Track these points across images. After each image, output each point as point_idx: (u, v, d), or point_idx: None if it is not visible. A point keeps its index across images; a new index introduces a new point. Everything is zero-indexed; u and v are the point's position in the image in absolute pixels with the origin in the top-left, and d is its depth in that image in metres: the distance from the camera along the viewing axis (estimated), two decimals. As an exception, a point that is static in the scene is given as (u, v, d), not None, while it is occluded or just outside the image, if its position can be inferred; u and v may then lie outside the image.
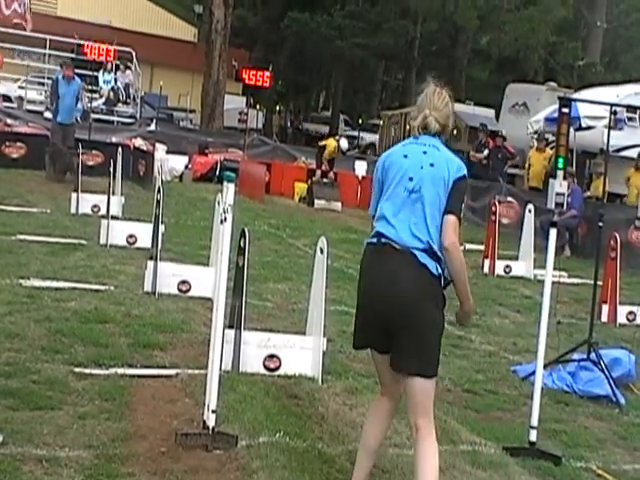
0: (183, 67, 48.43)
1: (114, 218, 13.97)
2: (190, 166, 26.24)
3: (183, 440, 6.07)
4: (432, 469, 5.13)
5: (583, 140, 21.02)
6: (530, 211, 15.98)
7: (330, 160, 24.84)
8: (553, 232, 7.14)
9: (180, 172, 25.60)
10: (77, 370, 7.40)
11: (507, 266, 15.76)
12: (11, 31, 33.47)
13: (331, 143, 25.18)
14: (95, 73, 29.79)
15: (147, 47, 41.93)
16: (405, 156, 5.33)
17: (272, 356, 7.93)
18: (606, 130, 10.40)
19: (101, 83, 31.97)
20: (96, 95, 29.99)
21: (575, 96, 23.67)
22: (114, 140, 25.10)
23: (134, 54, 34.86)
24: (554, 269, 7.20)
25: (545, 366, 7.66)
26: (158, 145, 25.39)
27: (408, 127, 38.17)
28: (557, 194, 7.46)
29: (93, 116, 26.45)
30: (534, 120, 25.85)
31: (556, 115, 8.47)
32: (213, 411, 6.13)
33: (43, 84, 34.20)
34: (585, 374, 8.82)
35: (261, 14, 57.61)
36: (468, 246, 18.12)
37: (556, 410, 8.16)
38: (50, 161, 20.43)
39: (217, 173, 24.54)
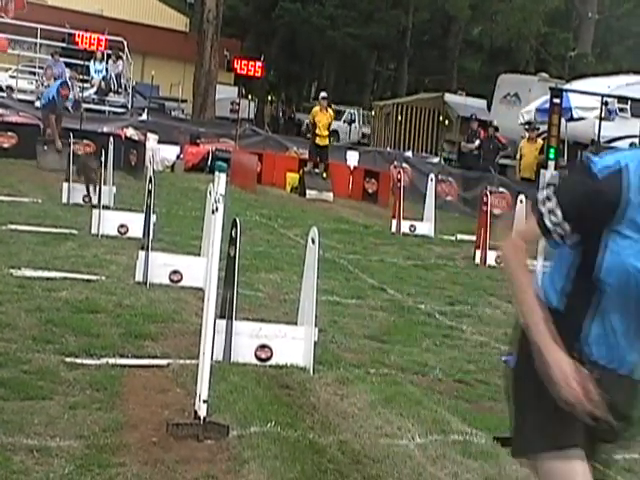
0: (175, 57, 48.35)
1: (105, 208, 13.94)
2: (182, 156, 26.23)
3: (174, 430, 6.07)
4: None
5: (574, 131, 21.06)
6: (522, 201, 15.99)
7: (323, 147, 24.43)
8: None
9: (172, 162, 25.59)
10: (68, 360, 7.38)
11: (498, 257, 15.76)
12: (1, 20, 33.38)
13: (315, 109, 24.84)
14: (86, 62, 29.70)
15: (139, 36, 41.82)
16: None
17: (263, 346, 7.92)
18: (597, 121, 10.41)
19: (92, 73, 31.87)
20: (87, 85, 29.90)
21: (567, 87, 23.70)
22: (105, 130, 25.04)
23: (125, 43, 34.74)
24: (545, 259, 7.20)
25: (536, 356, 7.66)
26: (150, 135, 25.37)
27: (400, 118, 38.25)
28: (548, 184, 7.47)
29: (84, 106, 26.40)
30: (526, 111, 25.88)
31: (547, 106, 8.49)
32: (204, 401, 6.13)
33: (34, 73, 34.11)
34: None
35: (253, 4, 57.56)
36: (460, 237, 18.21)
37: (547, 400, 8.17)
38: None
39: (209, 163, 24.50)
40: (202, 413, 6.12)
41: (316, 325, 7.94)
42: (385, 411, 7.04)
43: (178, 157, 26.11)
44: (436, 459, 6.18)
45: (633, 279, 3.50)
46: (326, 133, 24.27)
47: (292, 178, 24.83)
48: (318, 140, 24.19)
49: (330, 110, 25.14)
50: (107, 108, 32.00)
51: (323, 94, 25.25)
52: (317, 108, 24.77)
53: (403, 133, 39.36)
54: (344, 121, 50.67)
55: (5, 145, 22.29)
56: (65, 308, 8.96)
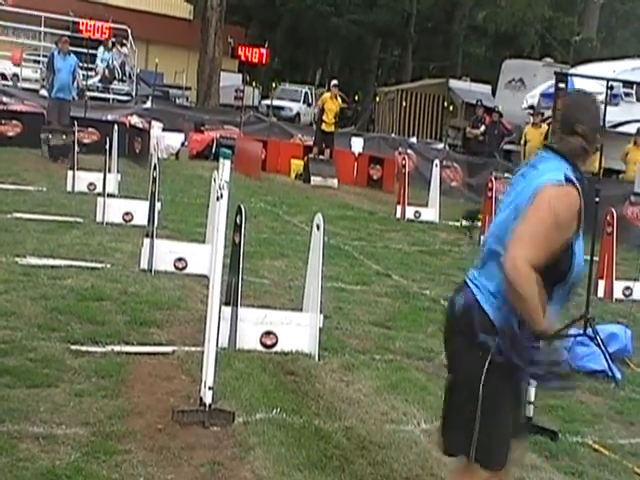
0: (179, 44, 48.23)
1: (110, 196, 13.91)
2: (186, 143, 26.18)
3: (180, 417, 6.08)
4: None
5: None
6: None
7: (329, 133, 24.40)
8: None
9: (176, 149, 25.54)
10: (73, 348, 7.40)
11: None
12: (6, 9, 33.35)
13: (325, 96, 24.88)
14: (90, 51, 29.63)
15: (143, 24, 41.70)
16: None
17: (269, 333, 7.93)
18: (602, 105, 10.36)
19: (98, 61, 31.81)
20: (92, 73, 29.86)
21: (571, 71, 23.65)
22: (110, 118, 25.03)
23: (130, 31, 34.69)
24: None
25: (541, 341, 7.65)
26: (154, 122, 25.35)
27: (404, 104, 38.14)
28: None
29: (89, 94, 26.37)
30: (530, 96, 25.83)
31: (552, 90, 8.45)
32: (210, 388, 6.13)
33: (39, 62, 34.05)
34: (582, 349, 8.83)
35: (257, -10, 57.44)
36: (465, 222, 18.18)
37: (552, 385, 8.16)
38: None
39: (213, 150, 24.51)
40: (207, 400, 6.13)
41: (321, 312, 7.96)
42: (390, 397, 7.05)
43: (182, 144, 26.05)
44: (441, 444, 6.18)
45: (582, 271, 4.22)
46: (334, 120, 24.26)
47: (296, 165, 24.80)
48: (325, 126, 24.19)
49: (339, 98, 25.12)
50: (111, 96, 31.95)
51: (334, 82, 25.22)
52: (327, 95, 24.78)
53: (407, 119, 39.25)
54: (304, 102, 49.95)
55: (10, 134, 22.27)
56: (70, 296, 8.97)
